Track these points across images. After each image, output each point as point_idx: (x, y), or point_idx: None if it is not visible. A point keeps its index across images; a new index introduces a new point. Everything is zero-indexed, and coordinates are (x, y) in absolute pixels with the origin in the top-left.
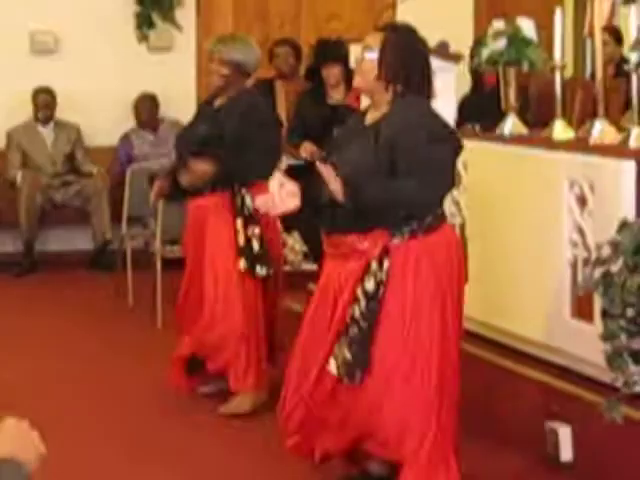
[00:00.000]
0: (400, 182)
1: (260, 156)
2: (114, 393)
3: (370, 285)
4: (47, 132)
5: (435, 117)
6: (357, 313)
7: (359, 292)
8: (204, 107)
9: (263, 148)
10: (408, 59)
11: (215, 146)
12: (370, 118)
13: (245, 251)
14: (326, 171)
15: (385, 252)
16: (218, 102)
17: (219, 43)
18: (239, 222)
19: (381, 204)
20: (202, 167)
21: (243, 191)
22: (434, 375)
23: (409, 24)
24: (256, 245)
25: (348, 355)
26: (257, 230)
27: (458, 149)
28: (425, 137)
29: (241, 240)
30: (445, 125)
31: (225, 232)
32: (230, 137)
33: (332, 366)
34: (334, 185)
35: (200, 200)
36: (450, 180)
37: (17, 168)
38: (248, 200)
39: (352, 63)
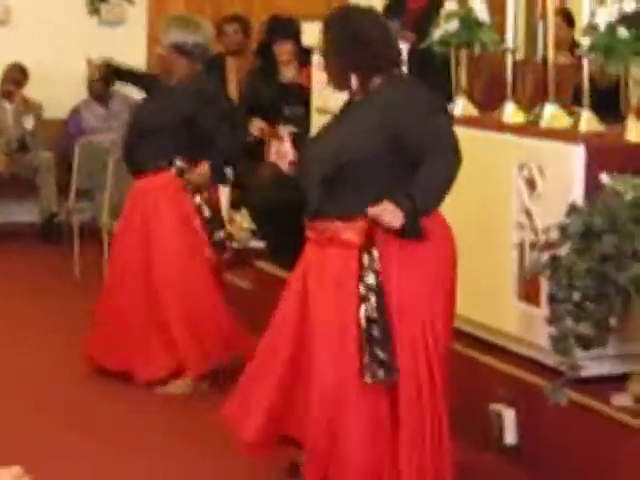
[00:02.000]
0: (427, 168)
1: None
2: (52, 365)
3: (370, 279)
4: (10, 108)
5: (424, 88)
6: (371, 312)
7: (363, 290)
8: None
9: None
10: (352, 46)
11: (158, 128)
12: (357, 99)
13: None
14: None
15: (370, 240)
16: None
17: (161, 24)
18: (197, 198)
19: (439, 200)
20: (201, 172)
21: (182, 165)
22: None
23: (348, 6)
24: (206, 211)
25: (382, 355)
26: (204, 195)
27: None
28: (424, 107)
29: (206, 212)
30: (435, 95)
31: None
32: (185, 111)
33: (368, 377)
34: (392, 217)
35: (144, 182)
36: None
37: None
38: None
39: (303, 41)
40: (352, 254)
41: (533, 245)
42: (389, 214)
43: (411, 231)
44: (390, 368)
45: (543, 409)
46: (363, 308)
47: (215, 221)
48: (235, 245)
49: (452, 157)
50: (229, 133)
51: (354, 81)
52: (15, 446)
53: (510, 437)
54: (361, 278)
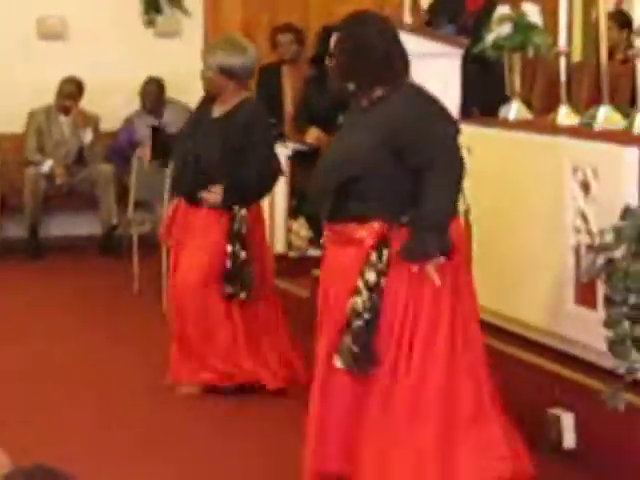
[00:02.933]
0: (431, 177)
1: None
2: (118, 379)
3: (371, 276)
4: (67, 122)
5: (429, 98)
6: (360, 305)
7: (360, 284)
8: (200, 113)
9: (264, 161)
10: (354, 55)
11: (220, 166)
12: (364, 103)
13: (231, 275)
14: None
15: (383, 241)
16: (216, 111)
17: (207, 47)
18: (229, 247)
19: (451, 208)
20: (213, 197)
21: (242, 214)
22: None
23: (363, 14)
24: (229, 262)
25: (355, 348)
26: (243, 254)
27: (458, 129)
28: (428, 117)
29: (229, 264)
30: (439, 104)
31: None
32: (232, 152)
33: (337, 361)
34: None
35: (197, 211)
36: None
37: (35, 151)
38: (243, 227)
39: None
40: (362, 251)
41: (589, 248)
42: (432, 269)
43: (443, 249)
44: (359, 363)
45: (601, 412)
46: (352, 299)
47: (232, 275)
48: (293, 254)
49: (452, 172)
50: (265, 160)
51: (352, 87)
52: (77, 454)
53: (569, 441)
54: (362, 272)
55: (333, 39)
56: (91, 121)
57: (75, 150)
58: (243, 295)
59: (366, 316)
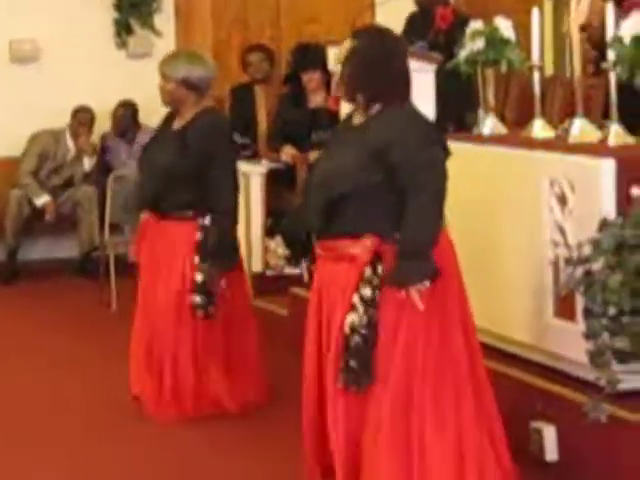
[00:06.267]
0: (415, 202)
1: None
2: (97, 395)
3: (367, 292)
4: (73, 147)
5: (424, 120)
6: (356, 321)
7: (355, 300)
8: (162, 126)
9: (229, 169)
10: (371, 68)
11: (180, 174)
12: (356, 121)
13: (201, 288)
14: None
15: (377, 257)
16: (176, 124)
17: (165, 59)
18: (197, 259)
19: (434, 234)
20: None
21: (206, 223)
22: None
23: (380, 27)
24: (199, 276)
25: (353, 363)
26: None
27: (446, 151)
28: (420, 140)
29: (199, 277)
30: (433, 127)
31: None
32: (196, 162)
33: (339, 382)
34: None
35: (168, 223)
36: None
37: (29, 174)
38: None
39: (330, 66)
40: (357, 267)
41: (567, 261)
42: (416, 295)
43: (426, 275)
44: (361, 378)
45: (583, 425)
46: (350, 317)
47: (201, 287)
48: (270, 272)
49: (437, 197)
50: (231, 193)
51: (360, 100)
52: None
53: (551, 454)
54: (357, 288)
55: (344, 47)
56: (95, 151)
57: (68, 176)
58: (210, 309)
59: (364, 332)
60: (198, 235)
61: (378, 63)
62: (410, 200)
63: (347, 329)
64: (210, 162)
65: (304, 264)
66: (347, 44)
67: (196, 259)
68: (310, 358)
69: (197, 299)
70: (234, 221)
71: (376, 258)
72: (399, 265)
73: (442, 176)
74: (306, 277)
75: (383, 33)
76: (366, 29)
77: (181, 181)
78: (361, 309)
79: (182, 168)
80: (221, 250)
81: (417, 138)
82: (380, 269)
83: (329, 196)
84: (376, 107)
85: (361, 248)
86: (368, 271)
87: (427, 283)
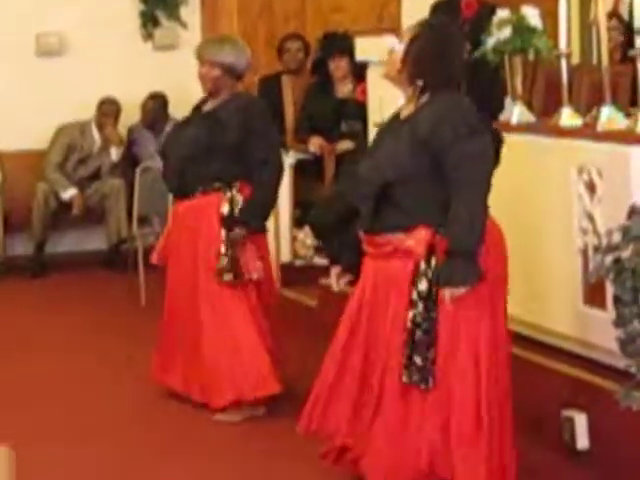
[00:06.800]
0: (460, 198)
1: (262, 154)
2: (124, 394)
3: (423, 286)
4: (99, 139)
5: (469, 110)
6: (418, 317)
7: (414, 295)
8: (192, 112)
9: (266, 145)
10: (433, 56)
11: (208, 150)
12: (404, 113)
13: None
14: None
15: (431, 249)
16: (208, 106)
17: (208, 45)
18: (223, 232)
19: (479, 233)
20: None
21: (234, 193)
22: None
23: (449, 23)
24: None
25: (419, 360)
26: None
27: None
28: (465, 130)
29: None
30: (480, 118)
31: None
32: (232, 138)
33: (405, 376)
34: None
35: (187, 202)
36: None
37: (56, 168)
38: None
39: (357, 56)
40: (410, 262)
41: (596, 249)
42: (448, 296)
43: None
44: (424, 374)
45: (614, 413)
46: (411, 312)
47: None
48: (299, 262)
49: (478, 190)
50: (273, 170)
51: (420, 84)
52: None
53: (582, 442)
54: (414, 283)
55: (411, 32)
56: (122, 141)
57: (95, 167)
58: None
59: (425, 326)
60: (225, 208)
61: (442, 54)
62: (454, 194)
63: (409, 325)
64: (251, 138)
65: (337, 273)
66: (415, 29)
67: (222, 233)
68: (347, 352)
69: (223, 262)
70: (274, 193)
71: (430, 250)
72: (446, 262)
73: (484, 168)
74: (335, 287)
75: (451, 28)
76: (436, 21)
77: (207, 153)
78: (420, 304)
79: (213, 141)
80: (252, 212)
81: (456, 129)
82: (434, 262)
83: (380, 182)
84: (426, 96)
85: (415, 240)
86: (422, 264)
87: (462, 289)
